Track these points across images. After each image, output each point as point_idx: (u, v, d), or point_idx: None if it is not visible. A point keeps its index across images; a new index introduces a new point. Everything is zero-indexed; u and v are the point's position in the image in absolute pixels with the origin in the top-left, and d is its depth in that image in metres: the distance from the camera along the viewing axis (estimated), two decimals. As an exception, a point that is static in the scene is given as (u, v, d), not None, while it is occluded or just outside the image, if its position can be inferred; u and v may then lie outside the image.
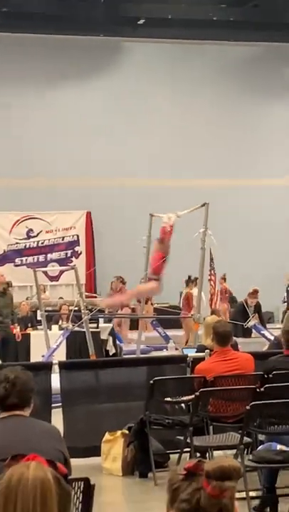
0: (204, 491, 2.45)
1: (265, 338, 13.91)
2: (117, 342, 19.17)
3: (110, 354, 18.03)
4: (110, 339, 18.31)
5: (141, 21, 27.96)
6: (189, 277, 20.73)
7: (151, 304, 22.76)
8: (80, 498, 4.55)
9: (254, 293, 19.35)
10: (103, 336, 17.69)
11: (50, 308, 20.11)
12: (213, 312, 18.27)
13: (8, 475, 2.49)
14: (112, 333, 18.56)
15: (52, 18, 26.92)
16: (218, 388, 8.26)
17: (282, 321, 25.52)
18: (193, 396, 8.36)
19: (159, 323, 17.98)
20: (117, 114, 28.21)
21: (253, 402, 7.35)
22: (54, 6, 26.81)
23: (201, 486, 2.46)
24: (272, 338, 12.89)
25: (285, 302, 27.60)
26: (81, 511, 4.56)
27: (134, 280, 23.07)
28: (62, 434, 8.85)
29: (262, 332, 14.23)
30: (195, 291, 21.34)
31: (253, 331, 17.39)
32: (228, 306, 22.41)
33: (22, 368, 4.99)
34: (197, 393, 8.14)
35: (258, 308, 18.88)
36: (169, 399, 8.99)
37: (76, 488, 4.54)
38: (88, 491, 4.56)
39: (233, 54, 29.46)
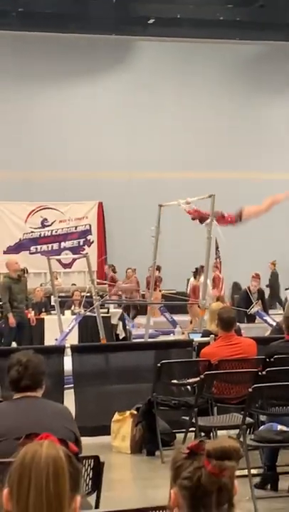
0: (205, 469, 2.46)
1: (267, 323, 13.92)
2: (127, 326, 19.19)
3: (120, 338, 18.06)
4: (120, 324, 18.32)
5: (151, 21, 27.93)
6: (196, 269, 20.72)
7: (160, 290, 22.78)
8: (91, 475, 4.58)
9: (256, 277, 19.28)
10: (113, 321, 17.70)
11: (63, 294, 20.13)
12: (218, 299, 18.30)
13: (22, 453, 2.51)
14: (121, 317, 18.57)
15: (65, 17, 26.93)
16: (222, 372, 8.27)
17: (283, 307, 25.63)
18: (198, 379, 8.38)
19: (166, 309, 17.99)
20: (128, 109, 28.21)
21: (255, 385, 7.36)
22: (67, 6, 26.78)
23: (202, 464, 2.48)
24: (274, 323, 12.90)
25: (287, 289, 27.60)
26: (91, 487, 4.58)
27: (143, 268, 23.14)
28: (73, 414, 8.94)
29: (264, 318, 14.25)
30: (202, 279, 21.37)
31: (256, 316, 17.38)
32: (221, 293, 22.24)
33: (33, 352, 5.00)
34: (202, 376, 8.16)
35: (261, 294, 18.82)
36: (175, 381, 9.01)
37: (86, 465, 4.57)
38: (98, 468, 4.59)
39: (240, 52, 29.38)
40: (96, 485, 4.59)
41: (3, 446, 4.42)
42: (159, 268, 20.88)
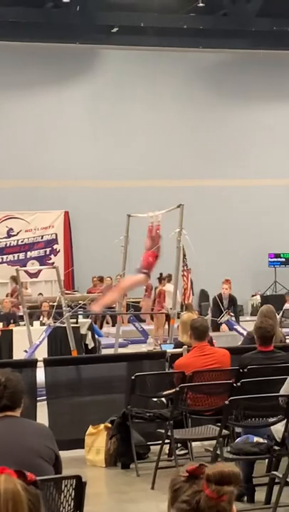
0: (204, 493, 2.46)
1: (238, 332, 13.95)
2: (96, 336, 19.14)
3: (89, 348, 18.01)
4: (89, 333, 18.27)
5: (114, 29, 27.92)
6: (161, 274, 20.75)
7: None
8: (72, 495, 4.53)
9: (226, 282, 19.26)
10: (82, 331, 17.65)
11: (30, 305, 20.04)
12: (186, 307, 18.30)
13: None
14: (90, 327, 18.52)
15: (29, 26, 26.80)
16: (197, 384, 8.26)
17: (251, 314, 25.74)
18: (173, 390, 8.36)
19: (136, 319, 17.98)
20: (94, 117, 28.20)
21: (232, 397, 7.35)
22: (31, 14, 26.69)
23: (201, 488, 2.47)
24: (244, 332, 12.92)
25: (253, 296, 27.73)
26: (73, 507, 4.53)
27: (112, 277, 23.10)
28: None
29: (234, 327, 14.26)
30: (167, 286, 21.38)
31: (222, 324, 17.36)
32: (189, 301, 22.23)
33: (12, 370, 4.95)
34: (177, 388, 8.14)
35: (232, 301, 18.73)
36: (150, 394, 8.98)
37: (68, 485, 4.52)
38: (80, 487, 4.54)
39: (204, 61, 29.48)
40: (78, 505, 4.54)
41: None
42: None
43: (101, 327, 22.84)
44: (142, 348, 17.98)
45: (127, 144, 28.11)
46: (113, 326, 23.15)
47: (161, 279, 21.15)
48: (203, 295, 28.03)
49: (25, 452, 4.49)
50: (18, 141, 27.41)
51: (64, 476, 4.58)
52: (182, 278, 19.70)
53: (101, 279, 25.07)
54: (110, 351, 16.68)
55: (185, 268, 20.58)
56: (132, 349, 18.94)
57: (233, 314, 17.66)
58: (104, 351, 18.30)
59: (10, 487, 2.44)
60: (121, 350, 17.00)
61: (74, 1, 26.37)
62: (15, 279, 22.00)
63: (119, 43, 28.20)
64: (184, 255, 19.11)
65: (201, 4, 26.61)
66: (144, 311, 19.79)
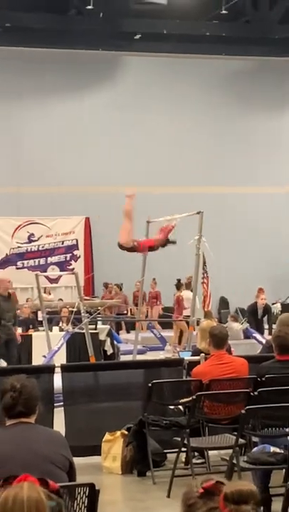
0: (219, 510, 2.42)
1: (257, 341, 13.87)
2: (115, 342, 19.12)
3: (108, 354, 17.99)
4: (108, 340, 18.25)
5: (137, 36, 27.95)
6: (178, 280, 20.70)
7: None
8: (86, 503, 4.50)
9: (261, 292, 19.15)
10: (101, 337, 17.62)
11: (50, 310, 20.06)
12: (206, 314, 18.24)
13: (3, 497, 2.48)
14: (109, 333, 18.50)
15: (52, 33, 26.89)
16: (214, 392, 8.21)
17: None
18: (190, 398, 8.32)
19: (153, 325, 17.96)
20: (114, 124, 28.22)
21: (249, 406, 7.30)
22: (54, 21, 26.78)
23: (216, 505, 2.43)
24: (263, 340, 12.85)
25: (274, 304, 27.57)
26: (86, 516, 4.50)
27: (130, 283, 23.12)
28: (63, 434, 8.88)
29: (254, 335, 14.19)
30: (185, 293, 21.32)
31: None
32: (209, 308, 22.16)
33: (27, 376, 4.92)
34: (194, 396, 8.10)
35: (267, 310, 18.60)
36: (167, 401, 8.93)
37: (82, 493, 4.49)
38: (93, 496, 4.50)
39: (226, 68, 29.45)
40: (91, 512, 4.51)
41: (-1, 474, 4.35)
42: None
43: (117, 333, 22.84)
44: (160, 355, 17.94)
45: (147, 150, 28.11)
46: (128, 332, 23.19)
47: (179, 285, 21.10)
48: (223, 302, 27.95)
49: (39, 459, 4.46)
50: (39, 147, 27.49)
51: (77, 483, 4.55)
52: (202, 285, 19.67)
53: (106, 286, 25.11)
54: (129, 358, 16.65)
55: (205, 275, 20.55)
56: (150, 356, 18.91)
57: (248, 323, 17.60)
58: (123, 358, 18.27)
59: (33, 495, 2.43)
60: (139, 357, 16.96)
61: (97, 7, 26.41)
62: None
63: (142, 50, 28.24)
64: (204, 262, 19.10)
65: (223, 11, 26.59)
66: (151, 318, 19.74)
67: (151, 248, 13.57)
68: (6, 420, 4.69)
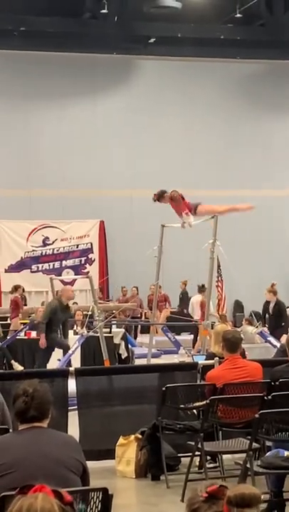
0: None
1: (271, 344, 13.85)
2: (129, 346, 19.13)
3: (123, 358, 18.00)
4: (122, 343, 18.27)
5: (152, 40, 27.99)
6: (203, 285, 20.67)
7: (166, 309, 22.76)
8: (99, 507, 4.51)
9: (272, 286, 18.95)
10: (116, 341, 17.64)
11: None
12: (221, 318, 18.22)
13: (18, 506, 2.49)
14: (124, 337, 18.52)
15: (66, 36, 26.96)
16: (228, 396, 8.21)
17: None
18: (204, 402, 8.32)
19: (168, 329, 17.96)
20: (129, 127, 28.23)
21: (262, 411, 7.29)
22: (68, 25, 26.85)
23: (220, 509, 2.44)
24: (277, 344, 12.83)
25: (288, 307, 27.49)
26: (99, 520, 4.51)
27: (145, 287, 23.12)
28: (77, 438, 8.89)
29: (268, 339, 14.16)
30: (196, 297, 21.29)
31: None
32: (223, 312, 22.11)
33: (39, 381, 4.93)
34: (208, 401, 8.10)
35: (277, 309, 18.20)
36: (181, 405, 8.93)
37: (95, 497, 4.49)
38: (106, 500, 4.51)
39: (241, 71, 29.42)
40: (104, 517, 4.51)
41: (11, 479, 4.36)
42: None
43: (135, 337, 22.85)
44: (174, 358, 17.94)
45: (160, 153, 28.12)
46: (138, 334, 23.22)
47: (203, 289, 21.04)
48: (238, 306, 27.92)
49: (52, 463, 4.47)
50: (53, 151, 27.56)
51: (91, 488, 4.55)
52: (216, 289, 19.66)
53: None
54: (143, 361, 16.65)
55: (219, 279, 20.55)
56: (164, 359, 18.91)
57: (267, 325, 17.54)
58: (138, 361, 18.27)
59: (47, 506, 2.44)
60: (154, 361, 16.96)
61: (111, 11, 26.47)
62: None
63: (156, 54, 28.26)
64: (219, 266, 19.09)
65: (238, 15, 26.61)
66: (161, 321, 19.70)
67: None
68: (18, 425, 4.71)
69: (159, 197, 13.98)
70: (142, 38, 27.86)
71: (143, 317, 23.92)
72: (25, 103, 27.55)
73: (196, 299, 21.72)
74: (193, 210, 13.89)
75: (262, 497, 2.50)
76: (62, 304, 15.26)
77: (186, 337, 20.82)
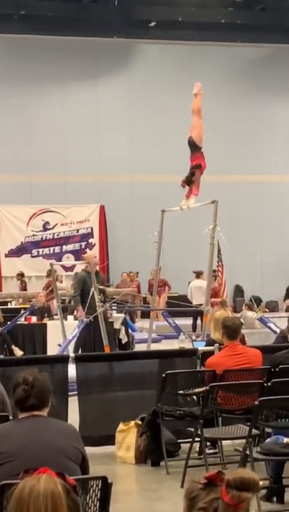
0: (222, 500, 2.42)
1: (272, 330, 13.85)
2: (130, 331, 19.14)
3: (123, 343, 18.02)
4: (123, 328, 18.28)
5: (152, 24, 27.88)
6: (214, 271, 20.67)
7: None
8: (98, 496, 4.51)
9: None
10: (116, 326, 17.63)
11: (65, 298, 20.09)
12: (221, 303, 18.23)
13: (19, 487, 2.49)
14: (124, 322, 18.53)
15: (66, 20, 26.86)
16: (228, 383, 8.22)
17: (286, 310, 25.57)
18: (203, 389, 8.33)
19: (169, 314, 17.96)
20: (129, 111, 28.16)
21: (262, 398, 7.30)
22: (68, 9, 26.75)
23: (218, 496, 2.44)
24: (277, 330, 12.83)
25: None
26: (99, 508, 4.52)
27: (146, 272, 23.12)
28: (78, 424, 8.92)
29: (268, 324, 14.17)
30: (197, 282, 21.29)
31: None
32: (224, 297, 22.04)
33: (39, 370, 4.93)
34: (208, 387, 8.10)
35: None
36: (181, 391, 8.94)
37: (94, 486, 4.50)
38: (105, 489, 4.51)
39: (241, 55, 29.31)
40: (104, 506, 4.52)
41: (11, 467, 4.37)
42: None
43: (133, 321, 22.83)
44: (175, 344, 17.95)
45: (162, 138, 28.05)
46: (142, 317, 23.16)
47: (215, 276, 21.06)
48: (238, 291, 27.96)
49: (51, 452, 4.48)
50: (54, 135, 27.50)
51: (90, 476, 4.56)
52: (216, 273, 19.66)
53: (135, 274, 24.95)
54: (144, 346, 16.67)
55: (220, 263, 20.55)
56: (165, 344, 18.94)
57: (267, 310, 17.55)
58: (138, 346, 18.29)
59: (50, 487, 2.43)
60: (154, 346, 16.99)
61: (112, -5, 26.39)
62: (49, 273, 22.03)
63: (157, 38, 28.14)
64: (219, 251, 19.09)
65: (239, -1, 26.51)
66: (159, 307, 19.68)
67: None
68: (18, 413, 4.71)
69: (188, 181, 13.91)
70: (143, 22, 27.75)
71: (141, 302, 23.90)
72: (26, 88, 27.45)
73: (194, 284, 21.74)
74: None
75: (261, 483, 2.50)
76: (89, 273, 15.10)
77: (186, 321, 20.83)
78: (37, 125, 27.51)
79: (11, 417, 5.99)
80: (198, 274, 21.45)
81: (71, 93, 28.10)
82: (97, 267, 15.52)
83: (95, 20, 26.92)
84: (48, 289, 20.45)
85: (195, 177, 13.64)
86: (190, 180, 13.72)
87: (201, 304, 19.30)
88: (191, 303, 20.55)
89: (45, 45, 27.43)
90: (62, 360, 9.70)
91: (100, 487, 4.52)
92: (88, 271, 15.00)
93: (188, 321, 21.26)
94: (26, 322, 17.96)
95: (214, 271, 19.49)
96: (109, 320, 16.65)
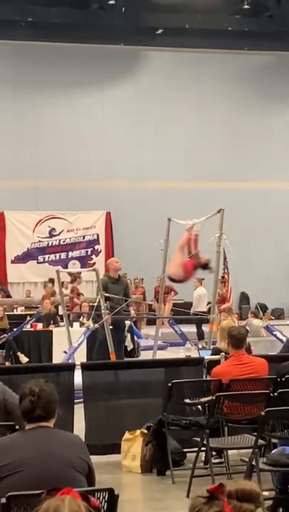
0: (224, 511, 2.43)
1: (277, 338, 13.82)
2: (135, 338, 19.15)
3: (128, 350, 18.02)
4: (128, 335, 18.28)
5: (159, 31, 27.92)
6: (223, 277, 20.67)
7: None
8: (105, 507, 4.50)
9: None
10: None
11: (70, 304, 20.10)
12: (226, 310, 18.23)
13: (44, 508, 2.48)
14: (130, 329, 18.53)
15: (74, 27, 26.90)
16: (234, 392, 8.20)
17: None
18: (209, 398, 8.31)
19: (175, 321, 17.97)
20: (136, 118, 28.21)
21: (268, 409, 7.28)
22: (76, 15, 26.80)
23: (221, 509, 2.45)
24: (283, 338, 12.81)
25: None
26: (105, 521, 4.50)
27: (152, 279, 23.09)
28: (83, 432, 8.90)
29: (274, 333, 14.13)
30: (199, 290, 21.26)
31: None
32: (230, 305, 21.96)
33: (45, 380, 4.93)
34: (214, 397, 8.09)
35: None
36: (187, 401, 8.92)
37: (101, 497, 4.49)
38: (112, 501, 4.50)
39: (248, 62, 29.32)
40: (110, 518, 4.51)
41: (18, 478, 4.37)
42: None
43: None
44: (181, 351, 17.92)
45: (168, 145, 28.09)
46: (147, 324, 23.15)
47: (223, 281, 21.04)
48: (244, 298, 27.92)
49: (58, 463, 4.47)
50: (61, 141, 27.54)
51: (97, 488, 4.55)
52: (220, 281, 19.63)
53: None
54: (149, 353, 16.64)
55: (226, 271, 20.54)
56: (170, 352, 18.90)
57: (273, 318, 17.50)
58: (143, 353, 18.28)
59: (74, 509, 2.43)
60: (160, 353, 16.96)
61: (119, 2, 26.42)
62: (51, 281, 22.07)
63: (164, 45, 28.18)
64: (225, 258, 19.07)
65: (246, 6, 26.51)
66: (164, 315, 19.65)
67: (195, 267, 13.26)
68: (25, 424, 4.71)
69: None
70: (150, 29, 27.79)
71: (146, 309, 23.90)
72: (32, 94, 27.51)
73: (198, 292, 21.72)
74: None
75: (267, 494, 2.51)
76: (111, 278, 15.03)
77: (191, 329, 20.80)
78: (43, 131, 27.56)
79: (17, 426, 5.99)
80: (200, 282, 21.49)
81: (77, 99, 28.14)
82: (118, 274, 15.44)
83: (102, 27, 26.96)
84: (72, 292, 20.49)
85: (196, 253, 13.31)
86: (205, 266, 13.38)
87: (204, 312, 19.31)
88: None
89: (52, 51, 27.49)
90: (68, 368, 9.68)
91: (106, 499, 4.51)
92: (110, 276, 15.00)
93: (193, 329, 21.22)
94: (32, 329, 17.96)
95: (222, 277, 19.51)
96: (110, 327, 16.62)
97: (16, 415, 6.70)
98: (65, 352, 15.34)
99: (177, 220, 14.66)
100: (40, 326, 17.95)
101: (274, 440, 7.75)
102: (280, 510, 7.34)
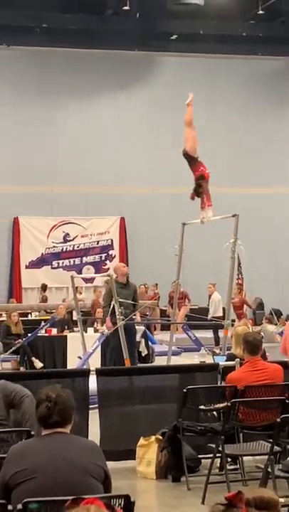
0: None
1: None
2: (150, 343, 19.13)
3: (143, 355, 18.01)
4: (143, 341, 18.28)
5: (173, 36, 27.94)
6: (240, 284, 20.66)
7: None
8: (121, 515, 4.49)
9: None
10: (136, 338, 17.60)
11: (84, 310, 20.12)
12: (240, 316, 18.21)
13: None
14: (144, 335, 18.52)
15: (88, 33, 26.96)
16: (250, 399, 8.17)
17: None
18: (224, 404, 8.29)
19: (189, 327, 17.94)
20: (150, 124, 28.22)
21: (284, 415, 7.25)
22: (90, 22, 26.86)
23: None
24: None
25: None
26: (121, 528, 4.48)
27: (166, 284, 23.09)
28: (98, 438, 8.89)
29: (289, 338, 14.02)
30: (216, 295, 21.27)
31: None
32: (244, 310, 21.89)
33: (62, 386, 4.93)
34: (229, 403, 8.06)
35: None
36: (202, 407, 8.89)
37: (117, 504, 4.47)
38: (128, 507, 4.49)
39: (262, 68, 29.29)
40: (127, 525, 4.49)
41: (34, 484, 4.37)
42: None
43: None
44: (195, 357, 17.91)
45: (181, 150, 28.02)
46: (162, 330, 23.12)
47: (240, 288, 21.06)
48: (258, 304, 27.84)
49: (74, 469, 4.47)
50: (75, 147, 27.57)
51: (113, 495, 4.53)
52: (237, 286, 19.63)
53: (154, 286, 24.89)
54: (164, 359, 16.62)
55: (240, 276, 20.53)
56: (185, 357, 18.88)
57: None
58: (158, 359, 18.26)
59: None
60: (174, 358, 16.93)
61: (133, 8, 26.43)
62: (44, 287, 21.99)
63: (178, 50, 28.20)
64: (239, 264, 19.06)
65: (260, 11, 26.49)
66: (178, 320, 19.63)
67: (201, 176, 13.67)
68: (41, 430, 4.71)
69: (197, 193, 13.76)
70: (164, 34, 27.81)
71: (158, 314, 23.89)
72: (47, 100, 27.56)
73: (214, 297, 21.70)
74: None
75: (283, 500, 2.51)
76: (119, 283, 15.00)
77: (206, 334, 20.78)
78: (58, 137, 27.61)
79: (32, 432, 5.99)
80: (214, 286, 21.50)
81: (92, 105, 28.18)
82: (126, 278, 15.39)
83: (117, 32, 27.00)
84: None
85: (203, 188, 13.51)
86: (198, 192, 13.61)
87: (219, 317, 19.29)
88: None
89: (67, 57, 27.55)
90: (83, 374, 9.68)
91: (122, 505, 4.50)
92: (118, 281, 14.94)
93: (208, 334, 21.21)
94: (46, 334, 17.97)
95: (238, 283, 19.49)
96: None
97: (23, 408, 6.72)
98: (79, 357, 15.36)
99: (191, 221, 14.67)
100: (54, 332, 17.97)
101: (289, 446, 7.74)
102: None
